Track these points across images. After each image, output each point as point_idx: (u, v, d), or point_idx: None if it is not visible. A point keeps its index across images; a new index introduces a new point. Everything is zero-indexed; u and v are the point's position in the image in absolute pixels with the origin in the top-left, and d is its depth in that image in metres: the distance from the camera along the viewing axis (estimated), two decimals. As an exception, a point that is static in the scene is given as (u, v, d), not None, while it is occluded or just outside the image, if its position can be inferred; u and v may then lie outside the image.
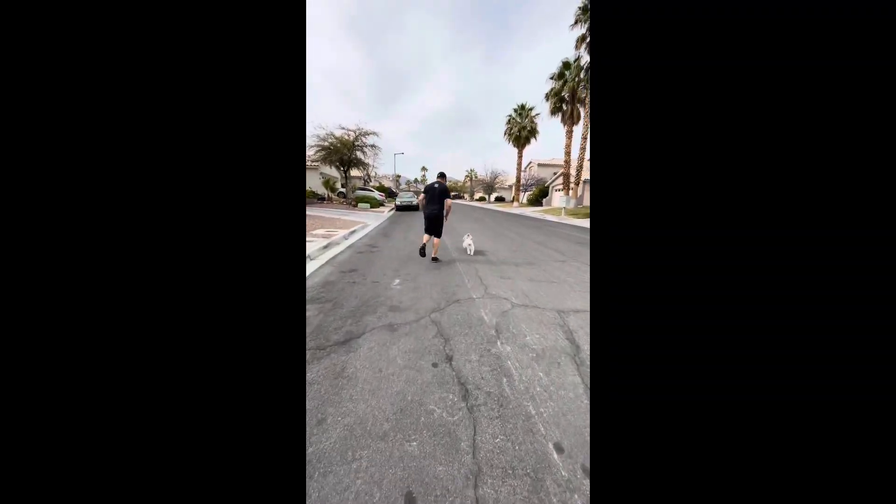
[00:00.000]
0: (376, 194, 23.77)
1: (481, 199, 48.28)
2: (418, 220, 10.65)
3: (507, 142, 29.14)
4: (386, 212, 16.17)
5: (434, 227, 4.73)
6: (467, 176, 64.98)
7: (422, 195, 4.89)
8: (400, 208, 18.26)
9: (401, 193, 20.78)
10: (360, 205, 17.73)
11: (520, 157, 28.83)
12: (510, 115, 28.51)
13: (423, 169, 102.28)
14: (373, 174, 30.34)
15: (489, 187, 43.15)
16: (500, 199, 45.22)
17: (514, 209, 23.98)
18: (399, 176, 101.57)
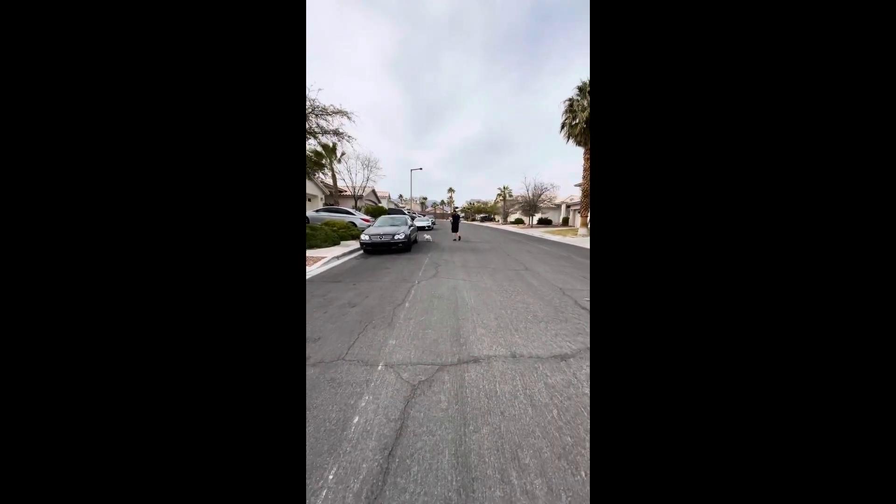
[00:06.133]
0: (357, 217, 14.31)
1: (517, 221, 37.62)
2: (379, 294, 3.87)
3: (564, 139, 19.23)
4: (319, 263, 6.55)
5: (456, 229, 13.42)
6: (499, 195, 55.05)
7: (452, 217, 14.17)
8: (370, 248, 8.39)
9: (380, 219, 10.78)
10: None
11: (587, 159, 18.75)
12: (571, 99, 18.63)
13: (451, 190, 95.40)
14: (343, 180, 20.72)
15: (531, 206, 31.90)
16: (544, 222, 34.49)
17: (585, 240, 13.44)
18: (425, 198, 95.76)
